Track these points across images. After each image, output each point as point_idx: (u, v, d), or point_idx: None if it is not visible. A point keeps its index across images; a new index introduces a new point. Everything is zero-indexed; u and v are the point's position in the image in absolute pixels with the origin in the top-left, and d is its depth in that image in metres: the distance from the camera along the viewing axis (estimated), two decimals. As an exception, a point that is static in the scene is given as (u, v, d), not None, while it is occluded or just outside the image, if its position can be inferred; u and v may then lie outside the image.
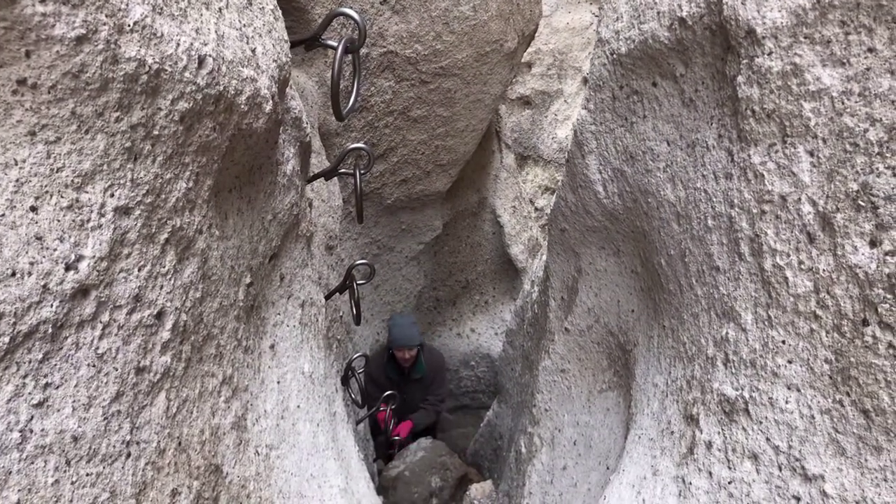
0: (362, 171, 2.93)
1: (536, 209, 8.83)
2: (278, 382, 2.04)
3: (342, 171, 2.91)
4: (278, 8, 1.88)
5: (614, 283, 2.73)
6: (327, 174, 2.91)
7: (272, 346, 2.07)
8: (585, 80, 8.96)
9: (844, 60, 1.34)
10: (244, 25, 1.54)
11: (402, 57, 4.49)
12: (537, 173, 9.16)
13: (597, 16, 8.94)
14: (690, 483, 1.72)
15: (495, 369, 6.85)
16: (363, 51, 4.17)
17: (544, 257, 3.98)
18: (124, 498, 1.14)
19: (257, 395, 1.87)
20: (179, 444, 1.34)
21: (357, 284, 3.43)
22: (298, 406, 2.16)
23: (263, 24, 1.69)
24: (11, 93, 0.92)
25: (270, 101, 1.66)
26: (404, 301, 6.59)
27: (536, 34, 6.25)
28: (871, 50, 1.30)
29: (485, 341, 7.28)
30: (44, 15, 0.91)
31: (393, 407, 5.03)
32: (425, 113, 4.96)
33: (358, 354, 3.79)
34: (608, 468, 2.57)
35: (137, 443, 1.19)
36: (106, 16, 1.00)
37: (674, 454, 1.85)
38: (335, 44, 2.10)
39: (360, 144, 2.84)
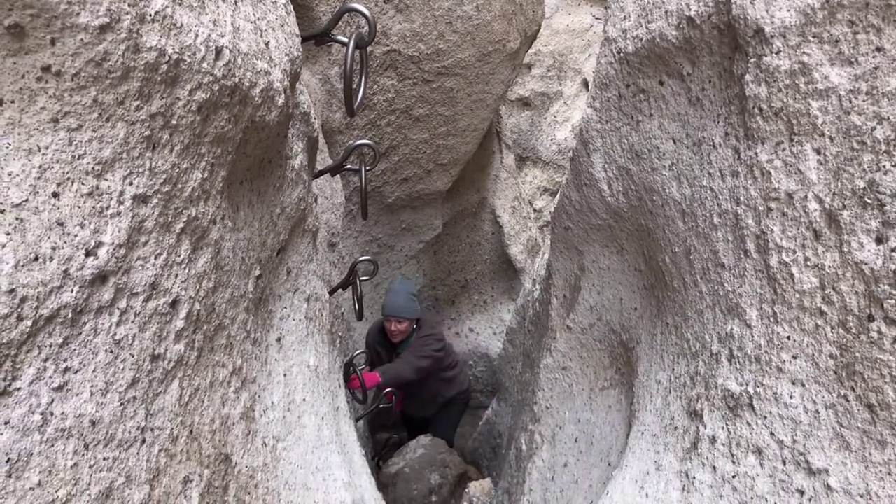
0: (367, 168, 2.94)
1: (535, 210, 8.85)
2: (284, 375, 2.05)
3: (348, 167, 2.92)
4: (290, 3, 1.89)
5: (617, 281, 2.75)
6: (333, 170, 2.92)
7: (279, 339, 2.08)
8: (585, 82, 8.98)
9: (852, 59, 1.36)
10: (258, 19, 1.55)
11: (406, 56, 4.51)
12: (536, 174, 9.18)
13: (597, 18, 8.97)
14: (694, 477, 1.74)
15: (493, 369, 6.86)
16: (367, 49, 4.19)
17: (546, 256, 3.99)
18: (139, 483, 1.15)
19: (265, 386, 1.88)
20: (191, 432, 1.35)
21: (360, 281, 3.44)
22: (304, 399, 2.17)
23: (276, 18, 1.70)
24: (36, 80, 0.93)
25: (282, 95, 1.68)
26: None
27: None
28: (879, 49, 1.31)
29: (483, 341, 7.28)
30: (69, 3, 0.92)
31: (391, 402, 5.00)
32: (427, 112, 4.98)
33: (359, 351, 3.81)
34: (610, 465, 2.59)
35: (152, 429, 1.20)
36: (129, 5, 1.02)
37: (677, 449, 1.87)
38: (345, 39, 2.11)
39: (366, 141, 2.85)
